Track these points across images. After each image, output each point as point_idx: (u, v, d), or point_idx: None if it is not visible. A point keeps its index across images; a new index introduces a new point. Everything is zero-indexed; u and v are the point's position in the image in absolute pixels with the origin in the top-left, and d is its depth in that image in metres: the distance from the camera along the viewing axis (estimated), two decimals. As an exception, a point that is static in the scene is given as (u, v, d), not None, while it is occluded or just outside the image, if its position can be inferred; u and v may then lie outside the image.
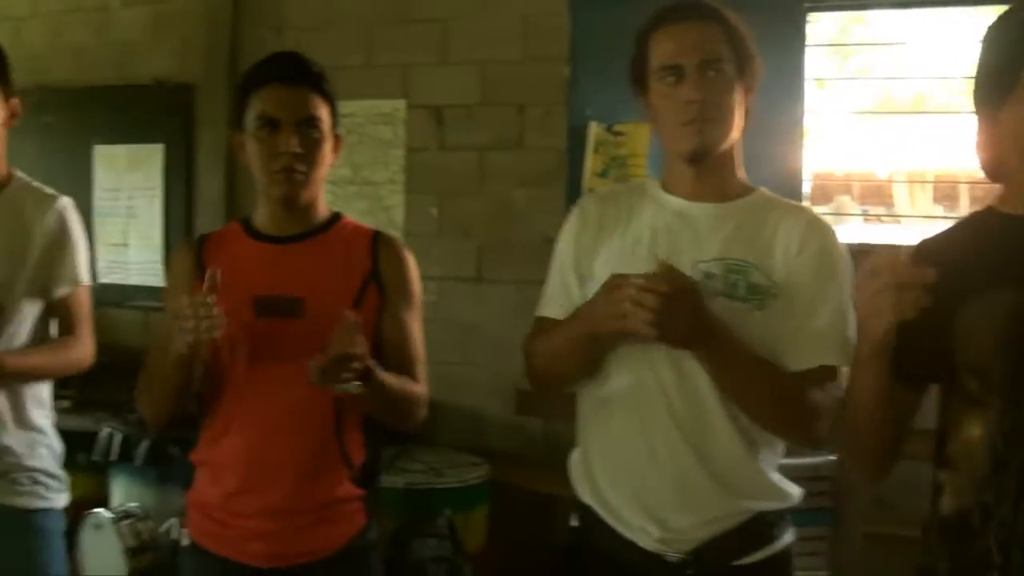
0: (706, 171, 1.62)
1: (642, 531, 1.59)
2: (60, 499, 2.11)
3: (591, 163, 3.55)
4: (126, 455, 3.55)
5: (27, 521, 2.02)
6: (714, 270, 1.56)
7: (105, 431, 3.63)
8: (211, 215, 4.48)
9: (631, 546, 1.60)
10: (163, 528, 3.35)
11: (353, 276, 1.74)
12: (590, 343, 1.57)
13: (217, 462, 1.75)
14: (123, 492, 3.61)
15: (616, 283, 1.44)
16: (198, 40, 4.61)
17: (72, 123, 4.60)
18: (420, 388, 1.76)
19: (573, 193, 3.56)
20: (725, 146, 1.62)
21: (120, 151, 4.73)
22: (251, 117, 1.71)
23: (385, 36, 4.11)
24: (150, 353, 1.76)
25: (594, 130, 3.57)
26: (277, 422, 1.69)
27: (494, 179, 3.87)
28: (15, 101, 2.01)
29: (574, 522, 1.71)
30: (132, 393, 3.73)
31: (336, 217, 1.83)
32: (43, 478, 2.06)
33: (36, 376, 2.01)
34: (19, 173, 2.06)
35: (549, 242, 1.78)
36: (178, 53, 4.69)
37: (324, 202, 1.81)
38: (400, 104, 4.01)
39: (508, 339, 4.00)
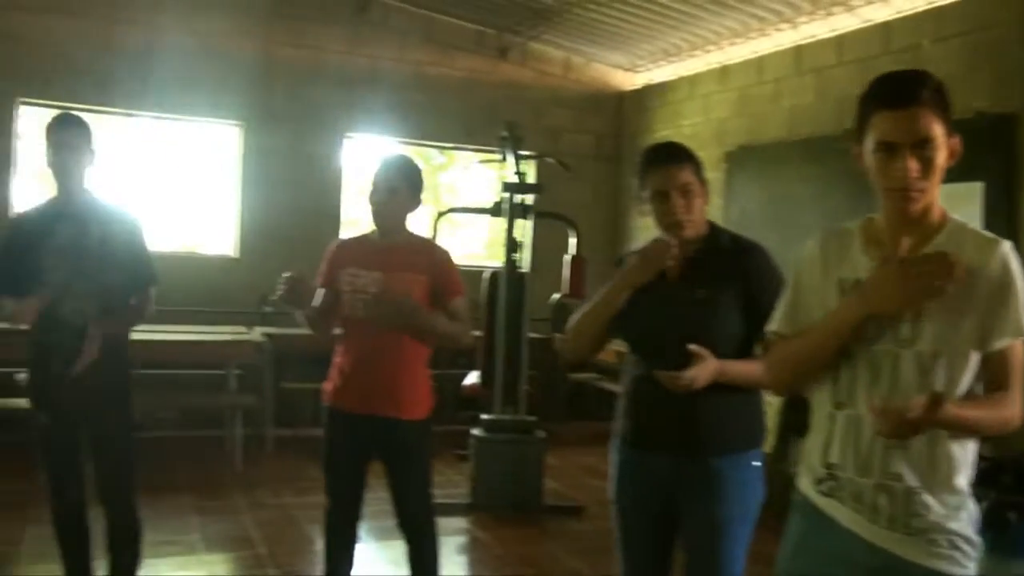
0: None
1: None
2: (972, 567, 1.96)
3: None
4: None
5: (939, 585, 1.92)
6: None
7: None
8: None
9: None
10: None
11: None
12: None
13: None
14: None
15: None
16: (1018, 66, 4.26)
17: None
18: None
19: None
20: None
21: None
22: None
23: None
24: None
25: None
26: None
27: None
28: (955, 140, 1.91)
29: None
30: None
31: None
32: (961, 543, 1.94)
33: (967, 430, 1.89)
34: (954, 216, 1.96)
35: None
36: (995, 82, 4.40)
37: None
38: None
39: None
